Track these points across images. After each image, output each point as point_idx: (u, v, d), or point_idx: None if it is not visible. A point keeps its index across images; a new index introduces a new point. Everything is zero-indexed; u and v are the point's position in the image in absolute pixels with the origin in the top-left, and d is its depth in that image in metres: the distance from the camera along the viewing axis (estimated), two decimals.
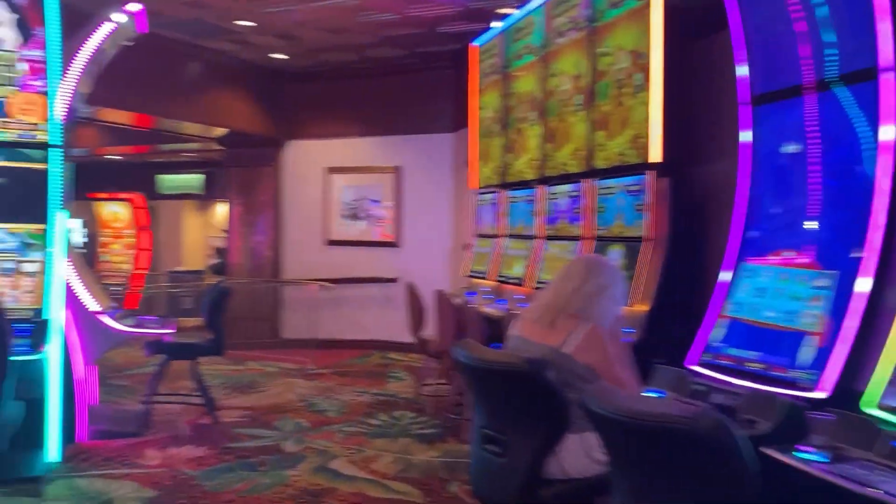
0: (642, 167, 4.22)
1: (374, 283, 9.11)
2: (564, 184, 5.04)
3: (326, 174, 9.48)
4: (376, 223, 9.25)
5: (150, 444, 5.00)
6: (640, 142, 4.25)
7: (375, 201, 9.24)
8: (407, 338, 6.82)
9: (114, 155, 13.52)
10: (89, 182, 13.87)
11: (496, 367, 2.54)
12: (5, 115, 4.54)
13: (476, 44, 6.78)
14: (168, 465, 4.58)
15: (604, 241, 4.56)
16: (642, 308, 4.01)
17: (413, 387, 6.88)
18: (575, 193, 4.87)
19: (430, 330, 6.13)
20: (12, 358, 4.05)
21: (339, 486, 4.28)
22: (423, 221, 9.00)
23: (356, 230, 9.37)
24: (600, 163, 4.65)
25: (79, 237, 17.03)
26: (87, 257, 14.82)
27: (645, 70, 4.22)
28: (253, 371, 7.84)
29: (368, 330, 9.17)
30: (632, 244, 4.28)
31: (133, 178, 14.20)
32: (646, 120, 4.18)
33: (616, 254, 4.40)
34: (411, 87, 8.95)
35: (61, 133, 4.68)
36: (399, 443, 5.14)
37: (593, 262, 2.83)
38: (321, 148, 9.55)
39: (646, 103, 4.19)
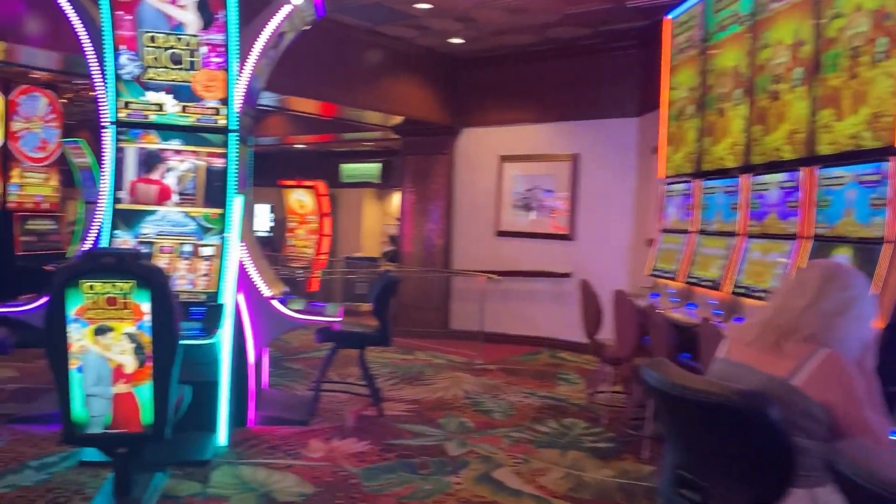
0: (882, 153, 3.44)
1: (545, 278, 8.67)
2: (775, 172, 4.31)
3: (499, 163, 9.14)
4: (549, 214, 8.77)
5: (315, 434, 4.92)
6: (882, 122, 3.47)
7: (549, 191, 8.77)
8: (579, 337, 6.33)
9: (300, 144, 14.09)
10: (278, 169, 14.61)
11: (702, 399, 2.02)
12: (188, 100, 4.60)
13: (670, 16, 6.10)
14: (330, 458, 4.45)
15: (826, 242, 3.81)
16: (878, 325, 3.26)
17: (585, 392, 6.37)
18: (789, 184, 4.13)
19: (606, 332, 5.60)
20: (184, 342, 4.09)
21: (503, 500, 3.92)
22: (600, 213, 8.41)
23: (527, 221, 8.96)
24: (824, 148, 3.89)
25: (266, 222, 18.09)
26: (274, 242, 15.66)
27: (891, 34, 3.43)
28: (421, 362, 7.70)
29: (538, 326, 8.76)
30: (864, 246, 3.52)
31: (317, 167, 14.75)
32: (892, 95, 3.39)
33: (842, 258, 3.65)
34: (593, 68, 8.36)
35: (238, 118, 4.67)
36: (569, 456, 4.69)
37: (834, 270, 2.20)
38: (495, 135, 9.22)
39: (892, 75, 3.40)
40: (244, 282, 4.78)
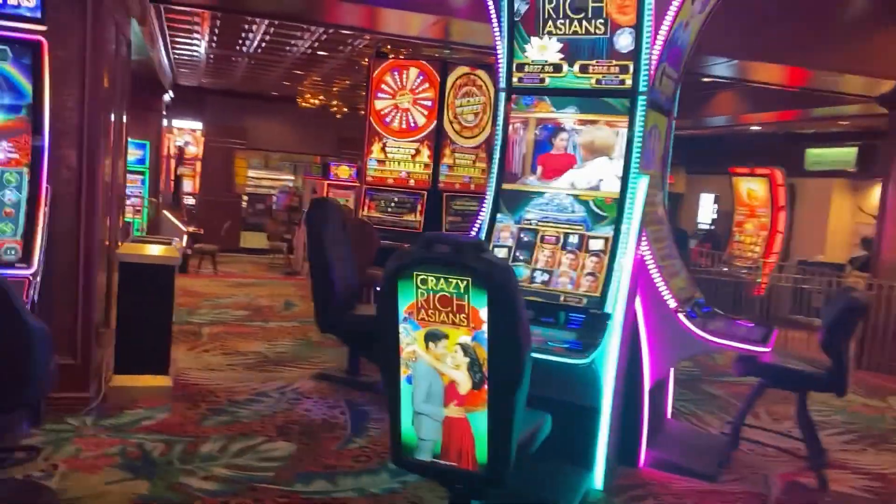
0: None
1: None
2: None
3: None
4: None
5: (723, 497, 3.67)
6: None
7: None
8: None
9: (756, 125, 12.27)
10: (730, 154, 13.00)
11: None
12: (589, 56, 3.74)
13: None
14: None
15: None
16: None
17: None
18: None
19: None
20: (551, 357, 3.27)
21: None
22: None
23: None
24: None
25: (709, 213, 16.46)
26: (717, 236, 14.07)
27: None
28: None
29: None
30: None
31: (775, 152, 12.70)
32: None
33: None
34: None
35: (651, 78, 3.64)
36: None
37: None
38: None
39: None
40: (644, 286, 3.76)
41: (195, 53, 11.61)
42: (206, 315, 7.11)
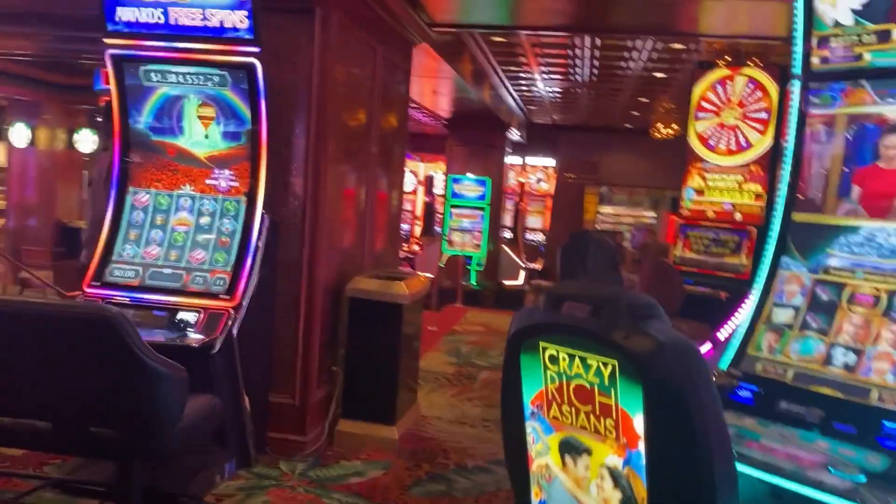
0: None
1: None
2: None
3: None
4: None
5: None
6: None
7: None
8: None
9: None
10: None
11: None
12: None
13: None
14: None
15: None
16: None
17: None
18: None
19: None
20: (817, 496, 2.00)
21: None
22: None
23: None
24: None
25: None
26: None
27: None
28: None
29: None
30: None
31: None
32: None
33: None
34: None
35: None
36: None
37: None
38: None
39: None
40: None
41: (534, 89, 11.52)
42: (498, 358, 6.65)
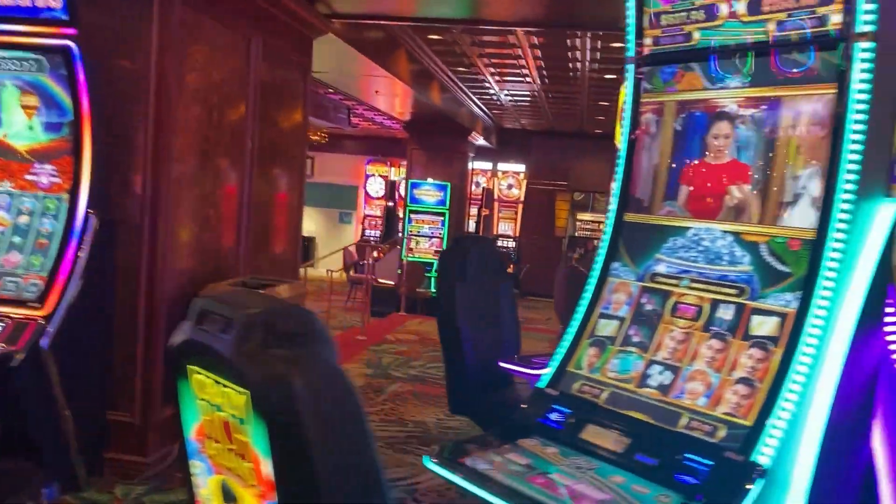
0: None
1: None
2: None
3: None
4: None
5: None
6: None
7: None
8: None
9: None
10: None
11: None
12: None
13: None
14: None
15: None
16: None
17: None
18: None
19: None
20: None
21: None
22: None
23: None
24: None
25: None
26: None
27: None
28: None
29: None
30: None
31: None
32: None
33: None
34: None
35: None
36: None
37: None
38: None
39: None
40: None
41: (491, 92, 11.24)
42: (419, 369, 6.34)
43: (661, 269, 2.25)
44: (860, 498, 2.04)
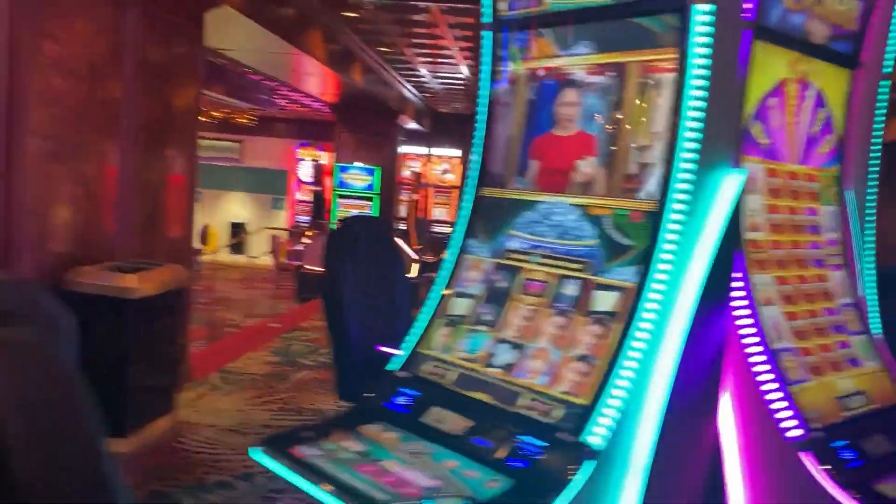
0: None
1: None
2: None
3: None
4: None
5: None
6: None
7: None
8: None
9: None
10: None
11: None
12: None
13: None
14: None
15: None
16: None
17: None
18: None
19: None
20: None
21: None
22: None
23: None
24: None
25: None
26: None
27: None
28: None
29: None
30: None
31: None
32: None
33: None
34: None
35: None
36: None
37: None
38: None
39: None
40: (747, 405, 1.85)
41: (419, 74, 11.08)
42: (328, 356, 6.16)
43: (514, 244, 2.16)
44: (707, 476, 1.99)
